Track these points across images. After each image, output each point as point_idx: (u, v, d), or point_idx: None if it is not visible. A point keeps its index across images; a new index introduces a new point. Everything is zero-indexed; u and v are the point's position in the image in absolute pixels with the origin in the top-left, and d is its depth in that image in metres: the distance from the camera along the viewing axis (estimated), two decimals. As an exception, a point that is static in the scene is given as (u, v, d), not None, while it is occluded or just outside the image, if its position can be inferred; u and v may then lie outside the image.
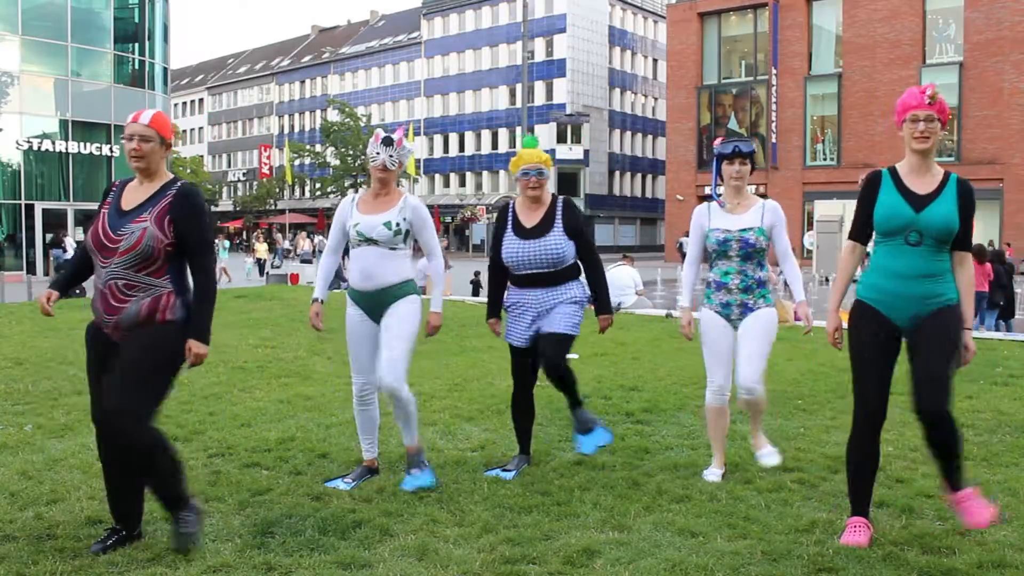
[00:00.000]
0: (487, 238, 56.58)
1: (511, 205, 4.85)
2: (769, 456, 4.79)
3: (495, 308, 4.98)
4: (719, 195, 4.72)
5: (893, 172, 3.76)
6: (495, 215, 5.00)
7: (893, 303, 3.69)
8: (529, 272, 4.70)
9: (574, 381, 4.78)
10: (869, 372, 3.73)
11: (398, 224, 4.43)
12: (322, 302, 4.67)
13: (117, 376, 3.48)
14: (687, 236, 41.81)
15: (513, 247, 4.71)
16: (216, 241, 30.68)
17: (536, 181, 4.72)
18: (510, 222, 4.77)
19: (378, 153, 4.46)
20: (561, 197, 4.87)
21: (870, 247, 3.90)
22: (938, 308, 3.64)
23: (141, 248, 3.50)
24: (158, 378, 3.56)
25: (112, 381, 3.49)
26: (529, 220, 4.73)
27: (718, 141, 4.73)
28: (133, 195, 3.65)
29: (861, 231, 3.83)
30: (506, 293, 4.88)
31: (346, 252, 4.73)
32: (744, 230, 4.58)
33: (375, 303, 4.48)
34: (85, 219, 30.03)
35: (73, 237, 27.86)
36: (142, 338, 3.52)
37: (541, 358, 4.75)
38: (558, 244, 4.67)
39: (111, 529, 3.67)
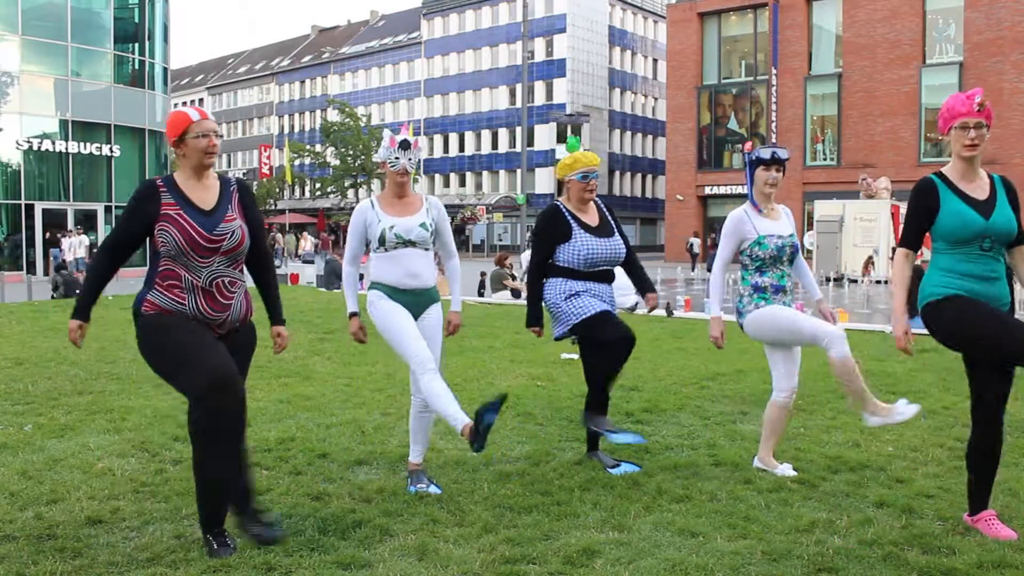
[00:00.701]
0: (487, 238, 56.64)
1: (562, 208, 4.89)
2: (786, 469, 4.71)
3: (539, 316, 4.94)
4: (754, 199, 4.74)
5: (944, 179, 3.75)
6: (543, 220, 4.91)
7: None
8: (601, 269, 4.86)
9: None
10: (1011, 320, 3.61)
11: (431, 224, 4.50)
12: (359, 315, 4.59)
13: None
14: (696, 237, 41.18)
15: (591, 244, 4.80)
16: None
17: (594, 184, 4.90)
18: (573, 223, 4.83)
19: (397, 158, 4.46)
20: (599, 199, 5.05)
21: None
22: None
23: (245, 245, 3.68)
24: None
25: None
26: (591, 220, 4.89)
27: (749, 145, 4.83)
28: (201, 194, 3.64)
29: (916, 239, 3.80)
30: (562, 286, 4.83)
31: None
32: (792, 235, 4.74)
33: (415, 301, 4.48)
34: (85, 219, 30.05)
35: (76, 235, 27.75)
36: (242, 341, 3.72)
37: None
38: (622, 242, 4.95)
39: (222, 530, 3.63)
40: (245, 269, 3.80)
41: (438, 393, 4.25)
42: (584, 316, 4.74)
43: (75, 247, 26.24)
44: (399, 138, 4.47)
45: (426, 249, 4.50)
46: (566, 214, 4.86)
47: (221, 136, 3.73)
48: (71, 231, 27.92)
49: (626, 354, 4.78)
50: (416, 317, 4.50)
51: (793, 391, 4.75)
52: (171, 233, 3.52)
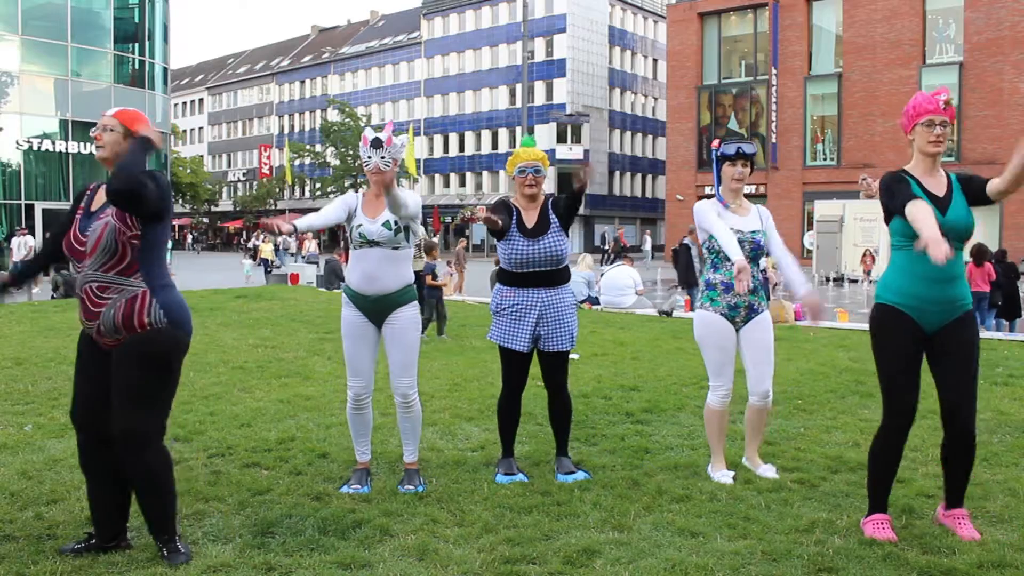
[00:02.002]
0: (487, 238, 56.60)
1: (511, 203, 4.77)
2: (768, 471, 4.74)
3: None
4: (720, 195, 4.73)
5: (908, 174, 3.80)
6: (499, 204, 4.80)
7: (922, 307, 3.72)
8: (533, 271, 4.67)
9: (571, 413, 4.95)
10: (902, 378, 3.73)
11: (396, 222, 4.43)
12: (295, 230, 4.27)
13: (118, 396, 3.47)
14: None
15: (518, 245, 4.64)
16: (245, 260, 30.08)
17: (532, 178, 4.69)
18: (514, 221, 4.69)
19: (370, 157, 4.44)
20: (549, 196, 4.88)
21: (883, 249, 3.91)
22: (959, 317, 3.76)
23: (103, 244, 3.40)
24: (156, 390, 3.51)
25: (115, 401, 3.48)
26: (529, 219, 4.71)
27: (717, 143, 4.72)
28: (101, 195, 3.59)
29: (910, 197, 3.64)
30: (498, 295, 4.78)
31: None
32: (754, 232, 4.64)
33: (377, 307, 4.46)
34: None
35: (21, 235, 27.32)
36: (130, 350, 3.45)
37: (549, 380, 4.84)
38: (560, 241, 4.69)
39: (88, 535, 3.64)
40: (144, 272, 3.49)
41: (351, 424, 4.64)
42: (498, 341, 4.75)
43: (20, 247, 25.55)
44: (371, 136, 4.45)
45: (394, 248, 4.42)
46: (512, 209, 4.71)
47: (113, 130, 3.53)
48: (18, 230, 27.46)
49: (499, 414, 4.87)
50: (381, 323, 4.49)
51: (764, 395, 4.74)
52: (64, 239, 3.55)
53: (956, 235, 3.69)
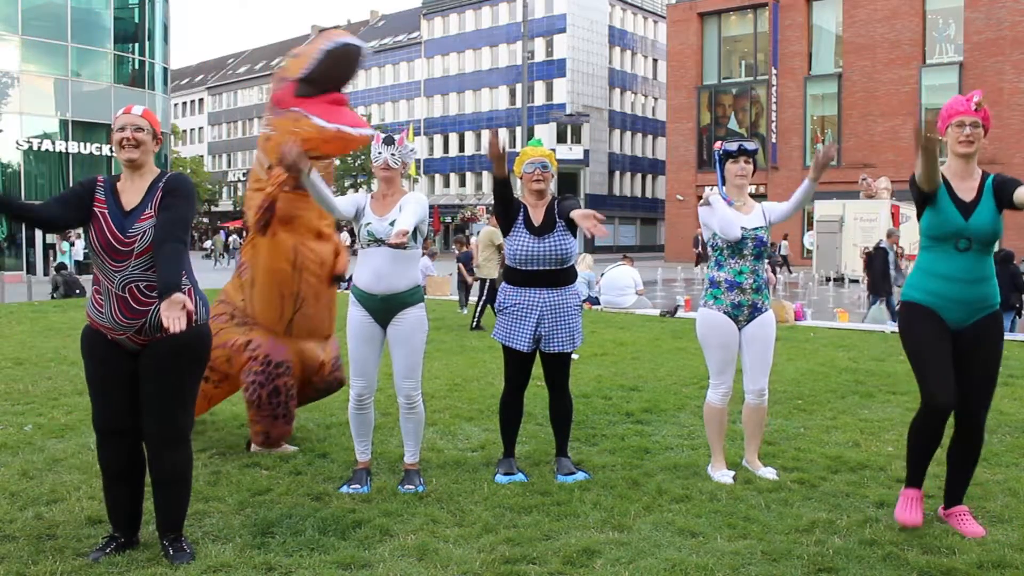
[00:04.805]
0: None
1: (520, 200, 4.80)
2: (768, 473, 4.75)
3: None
4: (725, 195, 4.74)
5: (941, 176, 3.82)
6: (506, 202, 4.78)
7: (944, 305, 3.78)
8: (536, 269, 4.67)
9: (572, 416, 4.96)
10: (935, 367, 3.74)
11: None
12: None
13: (159, 394, 3.47)
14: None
15: (523, 243, 4.66)
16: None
17: (540, 173, 4.72)
18: (520, 218, 4.71)
19: (380, 152, 4.51)
20: (555, 197, 4.87)
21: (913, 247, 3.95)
22: (985, 316, 3.80)
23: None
24: (195, 385, 3.61)
25: (153, 400, 3.47)
26: (536, 218, 4.73)
27: (719, 144, 4.77)
28: (129, 195, 3.52)
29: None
30: (502, 294, 4.80)
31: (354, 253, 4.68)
32: (757, 228, 4.66)
33: (384, 307, 4.47)
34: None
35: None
36: (175, 347, 3.46)
37: (550, 381, 4.87)
38: (565, 240, 4.69)
39: (110, 536, 3.64)
40: (185, 271, 3.49)
41: (352, 423, 4.63)
42: (501, 340, 4.76)
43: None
44: (383, 135, 4.54)
45: (403, 248, 4.41)
46: (519, 206, 4.74)
47: (144, 130, 3.51)
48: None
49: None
50: (387, 322, 4.50)
51: (759, 393, 4.78)
52: (91, 233, 3.46)
53: (979, 237, 3.73)
